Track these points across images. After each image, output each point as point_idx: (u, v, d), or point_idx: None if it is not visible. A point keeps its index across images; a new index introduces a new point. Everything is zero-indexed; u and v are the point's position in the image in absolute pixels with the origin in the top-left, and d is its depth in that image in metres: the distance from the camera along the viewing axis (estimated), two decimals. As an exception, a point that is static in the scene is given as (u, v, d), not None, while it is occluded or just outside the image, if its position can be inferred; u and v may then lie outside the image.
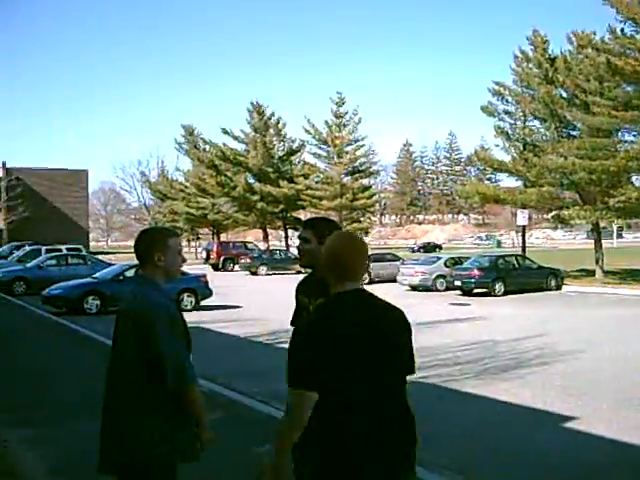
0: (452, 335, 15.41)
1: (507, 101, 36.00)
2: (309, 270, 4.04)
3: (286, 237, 61.63)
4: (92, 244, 78.60)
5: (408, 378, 2.85)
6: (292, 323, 4.33)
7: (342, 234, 3.01)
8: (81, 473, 5.42)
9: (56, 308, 20.24)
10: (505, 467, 6.51)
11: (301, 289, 4.17)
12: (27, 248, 38.01)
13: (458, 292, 27.16)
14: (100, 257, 35.55)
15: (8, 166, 69.19)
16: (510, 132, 36.10)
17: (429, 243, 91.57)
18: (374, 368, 2.73)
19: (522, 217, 35.68)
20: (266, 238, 62.02)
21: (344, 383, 2.69)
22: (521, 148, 35.03)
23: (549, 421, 8.18)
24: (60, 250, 34.85)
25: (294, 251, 56.80)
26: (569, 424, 7.97)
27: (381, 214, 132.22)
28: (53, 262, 28.68)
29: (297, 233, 4.23)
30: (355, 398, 2.69)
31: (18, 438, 7.12)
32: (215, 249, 49.34)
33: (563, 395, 9.43)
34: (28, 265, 29.27)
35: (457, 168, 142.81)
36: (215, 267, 46.59)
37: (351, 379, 2.69)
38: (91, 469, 3.48)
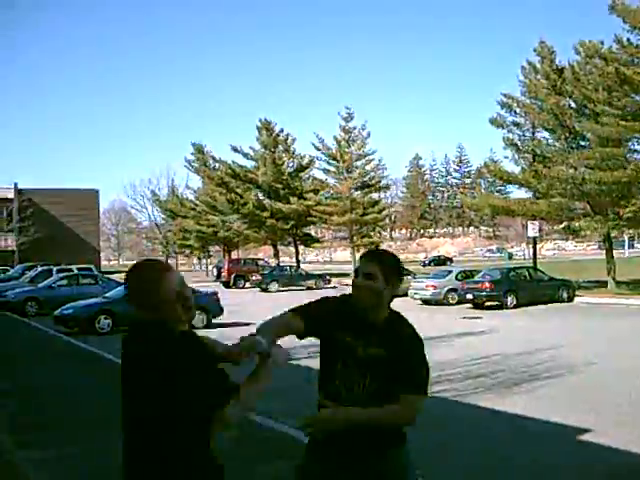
0: (463, 349, 15.31)
1: (516, 113, 35.96)
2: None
3: (297, 253, 61.67)
4: (103, 263, 78.85)
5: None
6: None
7: None
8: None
9: (68, 328, 20.19)
10: (519, 481, 6.44)
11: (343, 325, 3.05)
12: (39, 269, 38.10)
13: (470, 305, 27.05)
14: (111, 276, 35.59)
15: (20, 187, 69.57)
16: (519, 144, 36.06)
17: (440, 257, 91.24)
18: None
19: (532, 229, 35.56)
20: (277, 254, 62.09)
21: None
22: (531, 159, 34.97)
23: (563, 434, 8.10)
24: (71, 270, 34.95)
25: (305, 267, 56.87)
26: (583, 437, 7.89)
27: (391, 228, 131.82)
28: (64, 282, 28.70)
29: (359, 265, 3.06)
30: None
31: (24, 459, 7.06)
32: (226, 266, 49.36)
33: (576, 408, 9.34)
34: (40, 285, 29.35)
35: (467, 181, 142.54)
36: (226, 284, 46.59)
37: None
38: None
